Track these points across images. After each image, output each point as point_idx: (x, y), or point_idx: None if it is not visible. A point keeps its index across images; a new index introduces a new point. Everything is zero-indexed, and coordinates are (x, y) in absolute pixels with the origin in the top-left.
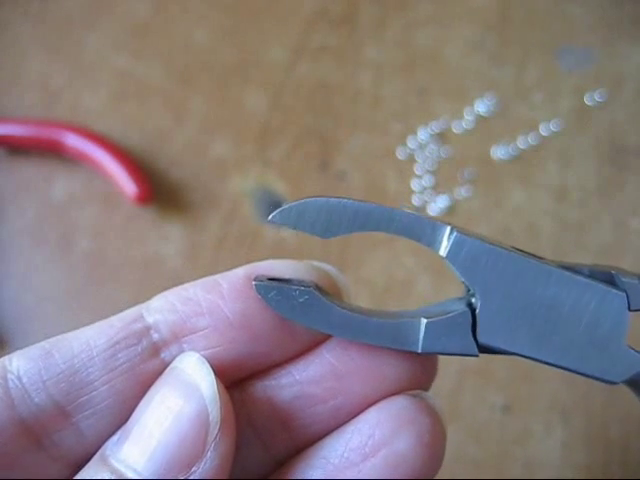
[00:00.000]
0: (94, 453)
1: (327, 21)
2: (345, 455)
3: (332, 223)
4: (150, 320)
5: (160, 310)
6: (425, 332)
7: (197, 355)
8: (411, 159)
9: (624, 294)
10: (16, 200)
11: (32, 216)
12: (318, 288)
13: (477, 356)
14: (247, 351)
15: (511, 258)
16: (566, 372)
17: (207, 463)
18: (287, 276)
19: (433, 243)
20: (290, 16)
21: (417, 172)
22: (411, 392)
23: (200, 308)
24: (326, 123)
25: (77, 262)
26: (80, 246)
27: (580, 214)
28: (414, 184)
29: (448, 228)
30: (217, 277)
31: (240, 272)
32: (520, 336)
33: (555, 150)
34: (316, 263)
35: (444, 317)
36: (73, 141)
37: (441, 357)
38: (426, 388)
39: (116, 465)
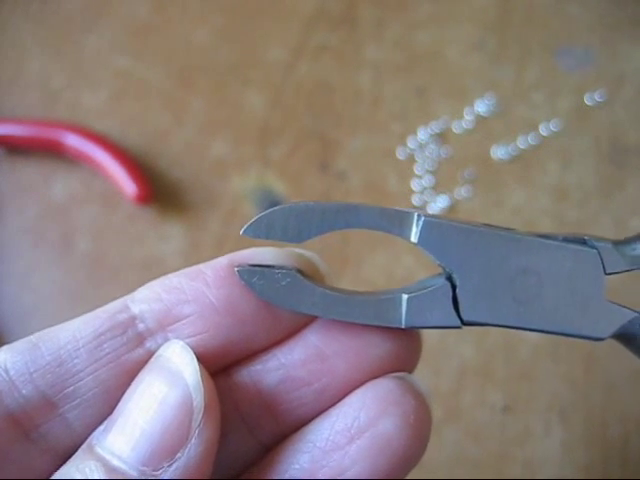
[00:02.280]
0: (82, 444)
1: (327, 21)
2: (331, 438)
3: (303, 227)
4: (135, 310)
5: (145, 300)
6: (407, 307)
7: (181, 343)
8: (411, 159)
9: (595, 251)
10: (16, 200)
11: (32, 216)
12: (300, 272)
13: (460, 327)
14: (232, 336)
15: (481, 233)
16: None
17: (192, 449)
18: (269, 263)
19: (403, 232)
20: (290, 16)
21: (417, 172)
22: (396, 374)
23: (185, 296)
24: (326, 123)
25: (77, 262)
26: (80, 246)
27: (580, 214)
28: (414, 184)
29: (415, 214)
30: (201, 266)
31: (223, 260)
32: (503, 307)
33: (555, 150)
34: (297, 250)
35: (424, 291)
36: (73, 141)
37: (440, 358)
38: (410, 369)
39: (102, 453)
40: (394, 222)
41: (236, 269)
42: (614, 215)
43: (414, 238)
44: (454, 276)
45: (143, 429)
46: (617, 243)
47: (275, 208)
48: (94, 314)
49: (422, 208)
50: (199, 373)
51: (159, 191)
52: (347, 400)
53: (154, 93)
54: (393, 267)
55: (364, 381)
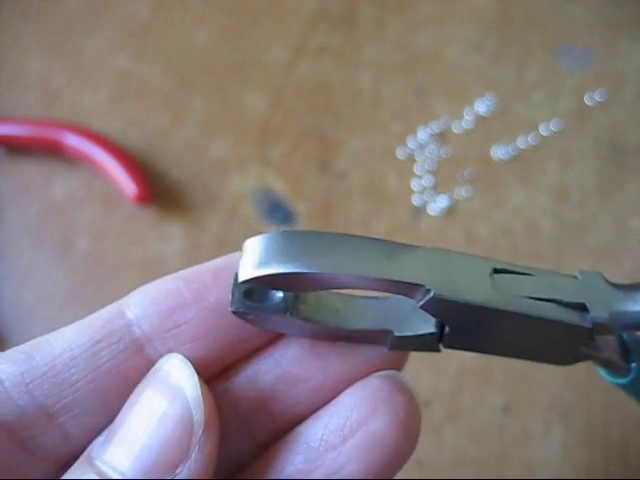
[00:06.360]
0: (81, 453)
1: (327, 21)
2: (325, 438)
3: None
4: (131, 316)
5: (140, 304)
6: (393, 341)
7: (180, 357)
8: (411, 159)
9: (589, 328)
10: (16, 200)
11: (32, 216)
12: (295, 297)
13: (439, 352)
14: (231, 338)
15: (486, 312)
16: (561, 371)
17: (192, 465)
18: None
19: (407, 295)
20: (290, 16)
21: (417, 172)
22: (384, 373)
23: (182, 299)
24: (326, 123)
25: (77, 262)
26: (80, 246)
27: (580, 214)
28: (414, 184)
29: (425, 288)
30: (196, 268)
31: (220, 262)
32: (485, 346)
33: (555, 150)
34: None
35: (413, 334)
36: (73, 141)
37: (440, 358)
38: (400, 367)
39: (101, 467)
40: (399, 290)
41: (231, 310)
42: (614, 215)
43: (417, 303)
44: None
45: (143, 443)
46: (616, 306)
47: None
48: (89, 321)
49: (422, 208)
50: (199, 388)
51: (159, 191)
52: (339, 400)
53: (154, 93)
54: None
55: (357, 377)
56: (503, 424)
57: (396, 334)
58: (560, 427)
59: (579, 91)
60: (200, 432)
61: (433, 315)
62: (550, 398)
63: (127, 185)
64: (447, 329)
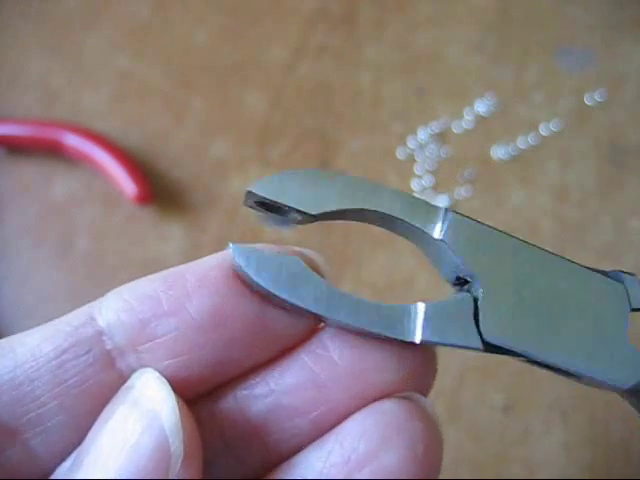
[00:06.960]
0: (49, 472)
1: (327, 21)
2: (325, 471)
3: (319, 197)
4: (102, 323)
5: (114, 310)
6: (424, 318)
7: (156, 374)
8: (411, 159)
9: (622, 285)
10: (16, 200)
11: (32, 216)
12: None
13: (481, 350)
14: (218, 357)
15: (512, 243)
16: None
17: None
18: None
19: (425, 225)
20: (290, 16)
21: (417, 172)
22: (400, 394)
23: (161, 308)
24: (326, 123)
25: (77, 262)
26: (80, 246)
27: (580, 214)
28: (414, 184)
29: (443, 209)
30: (182, 268)
31: (210, 261)
32: (526, 331)
33: (555, 150)
34: (298, 248)
35: (444, 301)
36: (73, 141)
37: (441, 356)
38: (425, 392)
39: None
40: (418, 212)
41: (230, 245)
42: (614, 215)
43: (438, 234)
44: (475, 285)
45: (114, 475)
46: None
47: (292, 171)
48: (55, 327)
49: None
50: (177, 413)
51: (159, 191)
52: (344, 427)
53: (154, 93)
54: (394, 268)
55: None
56: (504, 423)
57: (425, 304)
58: (561, 426)
59: (579, 91)
60: (178, 464)
61: (458, 253)
62: (551, 397)
63: (127, 185)
64: (480, 290)
